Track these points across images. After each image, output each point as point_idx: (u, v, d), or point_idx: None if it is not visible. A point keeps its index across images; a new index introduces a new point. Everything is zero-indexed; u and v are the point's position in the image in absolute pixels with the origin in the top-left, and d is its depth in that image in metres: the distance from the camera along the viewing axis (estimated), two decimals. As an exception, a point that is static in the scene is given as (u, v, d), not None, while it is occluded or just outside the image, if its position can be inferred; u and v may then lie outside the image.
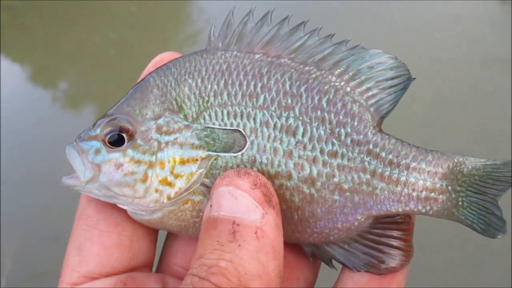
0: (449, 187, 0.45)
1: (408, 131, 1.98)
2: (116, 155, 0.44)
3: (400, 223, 0.46)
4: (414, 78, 0.48)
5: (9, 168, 2.09)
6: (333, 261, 0.49)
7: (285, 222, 0.44)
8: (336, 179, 0.45)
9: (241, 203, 0.39)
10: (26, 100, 2.68)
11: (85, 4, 3.25)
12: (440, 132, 2.04)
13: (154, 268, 0.53)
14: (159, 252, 0.55)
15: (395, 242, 0.46)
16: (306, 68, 0.46)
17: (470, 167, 0.45)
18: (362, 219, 0.46)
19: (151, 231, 0.50)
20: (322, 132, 0.45)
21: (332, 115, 0.45)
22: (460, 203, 0.45)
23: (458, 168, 0.45)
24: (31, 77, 3.01)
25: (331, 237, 0.47)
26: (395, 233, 0.46)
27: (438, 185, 0.45)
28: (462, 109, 2.12)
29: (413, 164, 0.45)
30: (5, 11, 3.37)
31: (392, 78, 0.47)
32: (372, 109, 0.46)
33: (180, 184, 0.44)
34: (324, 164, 0.44)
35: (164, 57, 0.52)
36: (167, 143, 0.44)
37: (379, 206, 0.45)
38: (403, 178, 0.45)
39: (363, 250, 0.47)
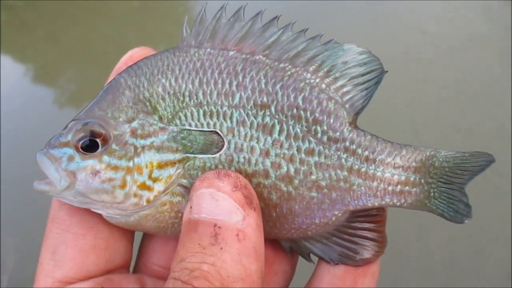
0: (422, 180, 0.47)
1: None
2: (91, 161, 0.43)
3: (374, 215, 0.48)
4: (386, 71, 0.48)
5: (10, 167, 2.10)
6: (311, 255, 0.50)
7: (263, 220, 0.44)
8: (313, 177, 0.45)
9: (222, 205, 0.39)
10: (27, 99, 2.68)
11: (85, 3, 3.25)
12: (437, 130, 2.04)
13: (131, 269, 0.53)
14: (136, 252, 0.54)
15: (369, 234, 0.47)
16: (281, 65, 0.46)
17: (441, 159, 0.47)
18: (339, 214, 0.47)
19: (128, 232, 0.50)
20: (299, 130, 0.45)
21: (308, 113, 0.45)
22: (431, 194, 0.47)
23: (430, 161, 0.47)
24: (32, 76, 3.01)
25: (309, 232, 0.47)
26: (370, 226, 0.47)
27: (411, 179, 0.46)
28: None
29: (388, 160, 0.46)
30: (6, 11, 3.38)
31: (366, 73, 0.47)
32: (347, 106, 0.46)
33: (158, 187, 0.43)
34: (301, 162, 0.45)
35: (135, 53, 0.51)
36: (143, 147, 0.43)
37: (356, 201, 0.46)
38: (379, 174, 0.46)
39: (340, 243, 0.48)
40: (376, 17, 2.63)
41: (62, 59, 3.04)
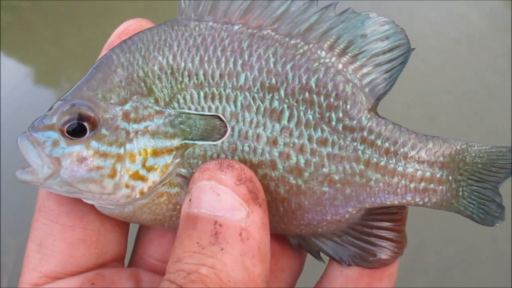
0: (450, 177, 0.42)
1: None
2: (77, 147, 0.39)
3: (393, 213, 0.43)
4: (414, 49, 0.42)
5: (10, 168, 2.08)
6: (321, 254, 0.46)
7: (270, 214, 0.39)
8: (325, 170, 0.40)
9: (224, 200, 0.35)
10: (30, 100, 2.67)
11: (90, 4, 3.25)
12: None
13: (126, 262, 0.49)
14: (131, 243, 0.50)
15: (387, 234, 0.43)
16: (292, 42, 0.41)
17: (473, 154, 0.42)
18: (354, 211, 0.42)
19: (121, 222, 0.46)
20: (311, 117, 0.40)
21: (322, 98, 0.40)
22: (460, 193, 0.42)
23: (461, 156, 0.42)
24: (36, 77, 3.01)
25: (319, 229, 0.43)
26: (388, 225, 0.43)
27: (438, 175, 0.42)
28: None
29: (412, 153, 0.41)
30: (11, 12, 3.39)
31: (390, 50, 0.41)
32: (367, 90, 0.41)
33: (153, 177, 0.39)
34: (313, 153, 0.40)
35: (130, 25, 0.46)
36: (136, 132, 0.39)
37: (373, 198, 0.42)
38: (400, 169, 0.41)
39: (354, 243, 0.43)
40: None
41: (67, 59, 3.03)
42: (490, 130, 1.99)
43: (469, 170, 0.42)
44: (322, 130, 0.40)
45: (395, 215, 0.43)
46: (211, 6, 0.42)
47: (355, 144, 0.41)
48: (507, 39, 2.36)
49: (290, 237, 0.45)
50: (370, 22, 0.41)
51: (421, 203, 0.42)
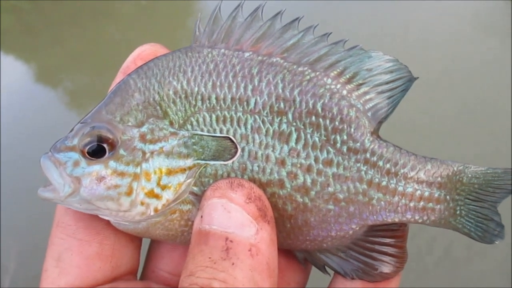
0: (447, 197, 0.44)
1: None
2: (97, 167, 0.41)
3: (395, 230, 0.45)
4: (416, 78, 0.45)
5: (11, 169, 2.09)
6: (326, 267, 0.48)
7: (277, 230, 0.42)
8: (331, 189, 0.43)
9: (234, 217, 0.37)
10: (31, 101, 2.68)
11: (91, 4, 3.25)
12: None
13: (139, 275, 0.51)
14: (143, 257, 0.52)
15: (389, 250, 0.45)
16: (300, 69, 0.44)
17: (470, 175, 0.44)
18: (357, 228, 0.45)
19: (135, 237, 0.48)
20: (317, 139, 0.43)
21: (328, 121, 0.43)
22: (458, 212, 0.45)
23: (458, 177, 0.44)
24: (37, 78, 3.01)
25: (324, 245, 0.46)
26: (390, 241, 0.45)
27: (436, 195, 0.44)
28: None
29: (411, 174, 0.44)
30: (12, 13, 3.39)
31: (392, 81, 0.44)
32: (369, 114, 0.44)
33: (167, 195, 0.42)
34: (319, 173, 0.43)
35: (144, 51, 0.48)
36: (152, 152, 0.42)
37: (375, 216, 0.44)
38: (400, 189, 0.44)
39: (357, 258, 0.46)
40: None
41: (68, 60, 3.04)
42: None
43: (466, 190, 0.44)
44: (328, 152, 0.43)
45: (396, 231, 0.45)
46: (224, 34, 0.44)
47: (358, 165, 0.43)
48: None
49: (296, 251, 0.48)
50: (376, 58, 0.44)
51: (420, 220, 0.44)
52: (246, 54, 0.44)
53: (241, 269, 0.35)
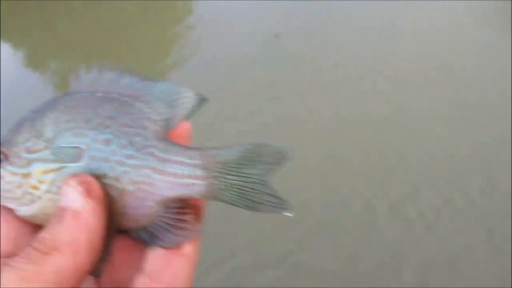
0: (205, 174, 0.56)
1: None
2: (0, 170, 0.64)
3: (186, 206, 0.58)
4: (207, 99, 0.59)
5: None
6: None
7: (112, 212, 0.59)
8: (132, 175, 0.59)
9: (71, 195, 0.56)
10: (22, 86, 2.65)
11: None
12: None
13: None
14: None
15: (183, 223, 0.57)
16: (123, 99, 0.64)
17: (223, 154, 0.56)
18: (155, 205, 0.59)
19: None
20: (125, 142, 0.61)
21: (132, 130, 0.61)
22: (217, 186, 0.56)
23: (214, 158, 0.56)
24: (31, 64, 2.98)
25: (141, 222, 0.60)
26: (185, 216, 0.57)
27: (196, 173, 0.57)
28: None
29: (177, 158, 0.58)
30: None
31: (176, 100, 0.62)
32: (161, 123, 0.61)
33: (44, 187, 0.62)
34: (125, 165, 0.60)
35: None
36: (33, 159, 0.63)
37: (160, 193, 0.58)
38: (171, 170, 0.58)
39: (161, 229, 0.59)
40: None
41: (62, 47, 3.00)
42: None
43: (225, 167, 0.56)
44: (131, 150, 0.61)
45: (188, 208, 0.58)
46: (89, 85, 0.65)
47: (147, 157, 0.60)
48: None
49: (132, 232, 0.61)
50: (164, 86, 0.62)
51: (192, 194, 0.57)
52: (98, 94, 0.65)
53: (66, 227, 0.52)
